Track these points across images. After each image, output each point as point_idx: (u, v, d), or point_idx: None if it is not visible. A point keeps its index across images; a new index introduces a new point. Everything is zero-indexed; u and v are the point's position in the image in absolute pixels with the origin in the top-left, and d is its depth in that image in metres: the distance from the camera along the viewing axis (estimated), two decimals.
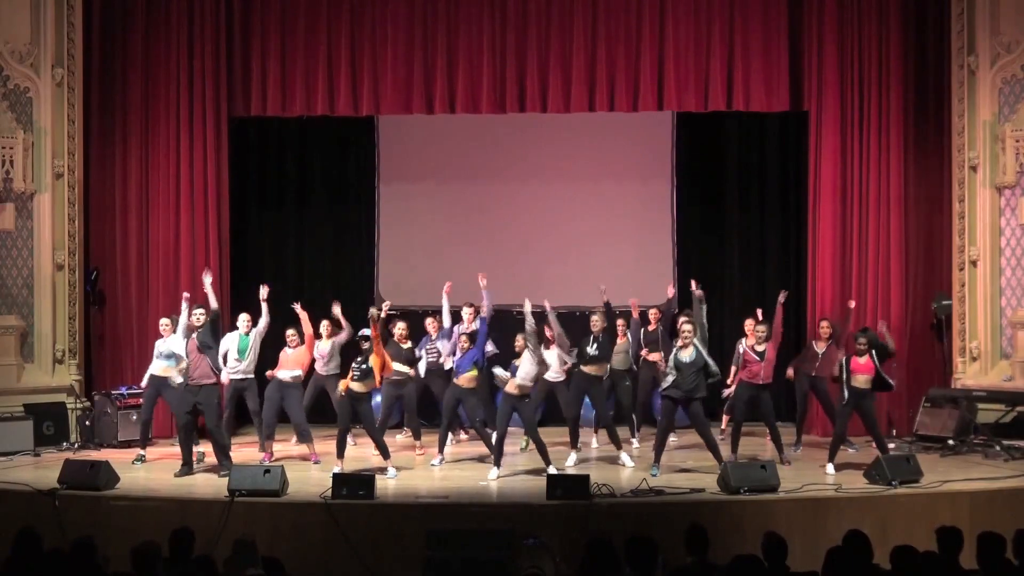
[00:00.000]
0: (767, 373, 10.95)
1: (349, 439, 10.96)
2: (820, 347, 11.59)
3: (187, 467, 10.46)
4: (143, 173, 13.02)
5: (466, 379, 10.82)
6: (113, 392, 12.13)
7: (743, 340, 11.40)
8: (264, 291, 11.30)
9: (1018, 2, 12.30)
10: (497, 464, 10.31)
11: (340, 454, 10.39)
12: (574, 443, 11.11)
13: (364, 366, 10.30)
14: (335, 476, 9.44)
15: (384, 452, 10.41)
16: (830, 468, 10.39)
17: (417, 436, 11.72)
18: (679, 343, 10.42)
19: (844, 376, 10.44)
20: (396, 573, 8.64)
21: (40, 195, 12.54)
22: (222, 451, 10.47)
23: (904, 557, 6.23)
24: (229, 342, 11.48)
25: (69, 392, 12.41)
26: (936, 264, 12.95)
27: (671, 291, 12.59)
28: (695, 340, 10.34)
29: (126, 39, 12.99)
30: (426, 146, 14.21)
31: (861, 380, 10.40)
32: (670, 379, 10.32)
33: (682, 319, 10.68)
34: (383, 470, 10.29)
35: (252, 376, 11.41)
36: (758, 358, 10.90)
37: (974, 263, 12.47)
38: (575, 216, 14.08)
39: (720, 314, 13.65)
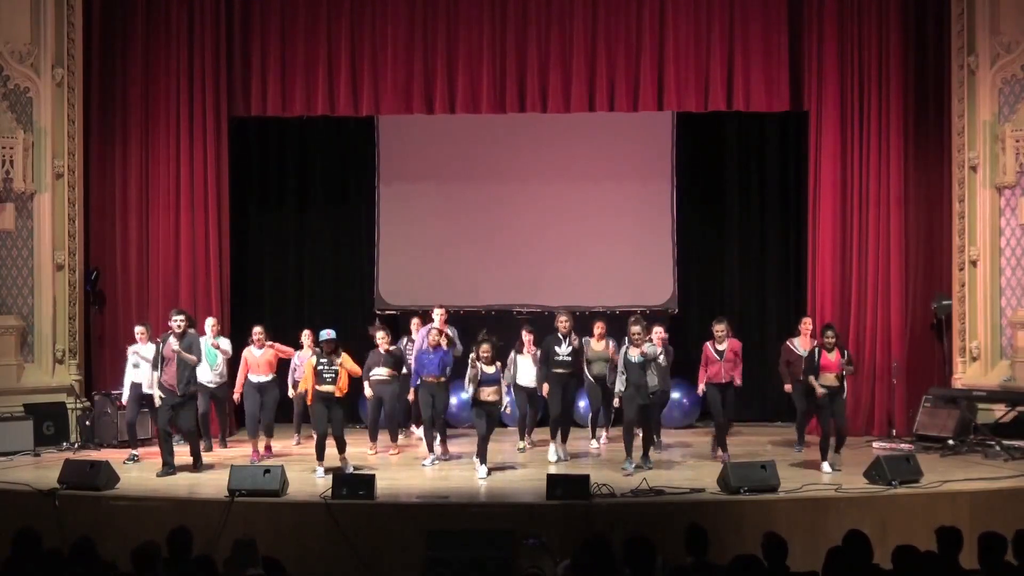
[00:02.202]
0: (727, 372, 10.97)
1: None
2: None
3: (169, 468, 10.39)
4: (143, 173, 13.02)
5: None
6: (113, 392, 12.11)
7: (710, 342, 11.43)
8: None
9: (1018, 2, 12.29)
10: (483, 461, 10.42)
11: (320, 457, 10.40)
12: (553, 436, 11.21)
13: (333, 368, 10.38)
14: (335, 476, 9.44)
15: (341, 447, 10.48)
16: (825, 467, 10.37)
17: (394, 437, 11.75)
18: (627, 344, 10.51)
19: (814, 374, 10.44)
20: (396, 573, 8.63)
21: (40, 195, 12.54)
22: (195, 454, 10.56)
23: (905, 557, 6.23)
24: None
25: (69, 392, 12.41)
26: (936, 264, 12.95)
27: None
28: (647, 346, 10.43)
29: (126, 39, 12.99)
30: (426, 146, 14.20)
31: (830, 377, 10.39)
32: (621, 380, 10.44)
33: (631, 320, 10.71)
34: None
35: (225, 380, 11.59)
36: (717, 357, 10.99)
37: (974, 263, 12.47)
38: (575, 216, 14.07)
39: (719, 315, 13.62)
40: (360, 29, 12.92)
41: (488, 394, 10.34)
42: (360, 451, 11.37)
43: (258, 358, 11.22)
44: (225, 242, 13.18)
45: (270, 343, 11.38)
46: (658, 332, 11.48)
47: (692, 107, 12.91)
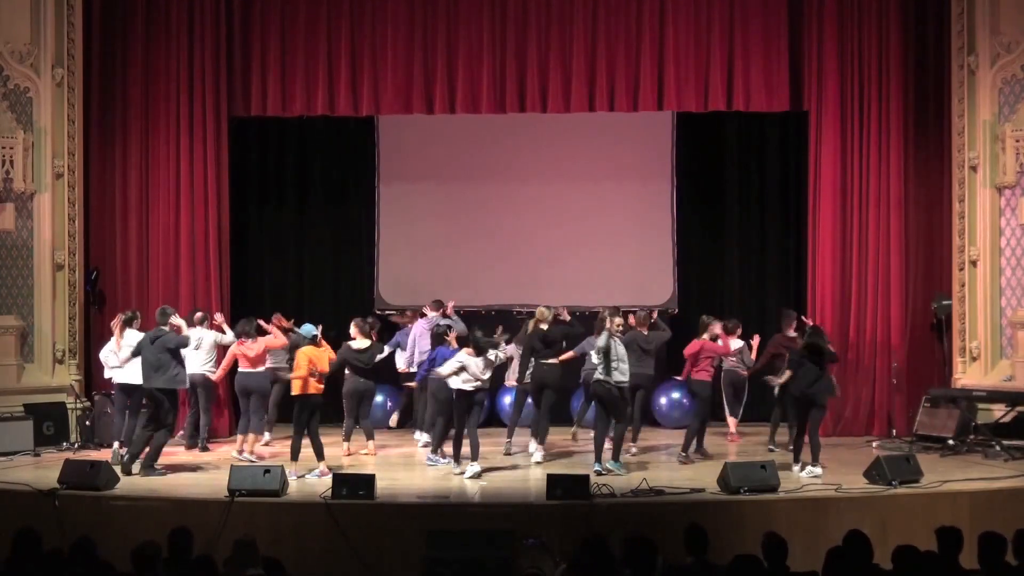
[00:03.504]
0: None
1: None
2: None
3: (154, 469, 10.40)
4: (143, 173, 13.02)
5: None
6: (113, 392, 12.10)
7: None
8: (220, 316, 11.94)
9: (1018, 2, 12.28)
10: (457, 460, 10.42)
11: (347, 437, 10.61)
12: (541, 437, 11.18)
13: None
14: (335, 476, 9.44)
15: (294, 455, 10.29)
16: (817, 469, 10.27)
17: (370, 436, 11.62)
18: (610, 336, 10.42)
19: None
20: (396, 573, 8.63)
21: (40, 195, 12.54)
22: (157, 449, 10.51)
23: (905, 557, 6.23)
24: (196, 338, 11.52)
25: (69, 392, 12.40)
26: (936, 264, 12.94)
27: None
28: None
29: (126, 39, 12.99)
30: (426, 146, 14.21)
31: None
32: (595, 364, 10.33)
33: (610, 311, 10.68)
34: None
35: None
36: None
37: (974, 263, 12.46)
38: (575, 216, 14.07)
39: (720, 315, 13.61)
40: (360, 29, 12.92)
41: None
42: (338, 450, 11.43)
43: (256, 350, 11.18)
44: (225, 242, 13.18)
45: (263, 343, 11.29)
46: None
47: (692, 107, 12.91)
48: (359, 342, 11.26)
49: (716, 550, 6.89)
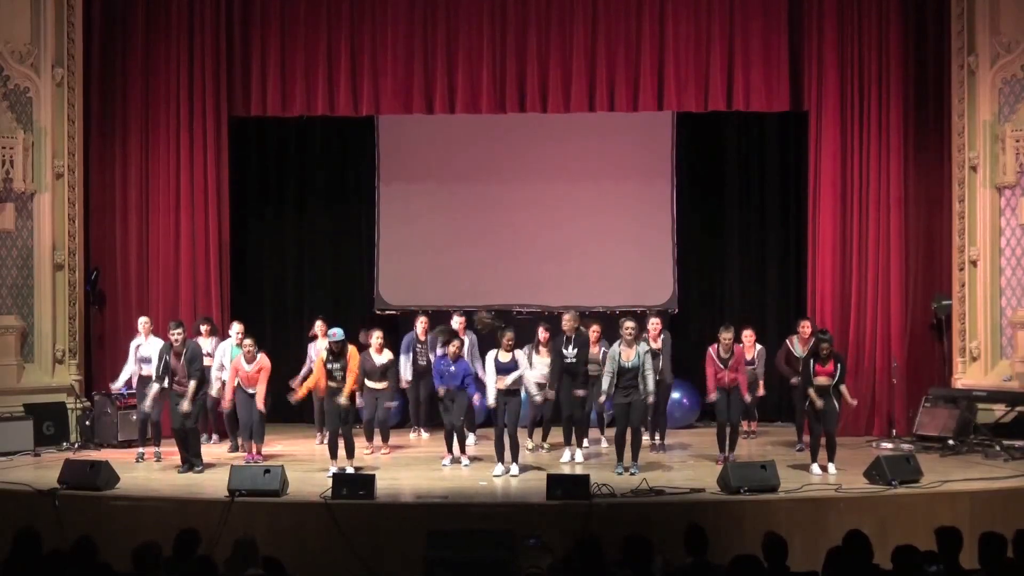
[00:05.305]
0: (731, 379, 10.95)
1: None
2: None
3: (187, 465, 10.56)
4: (143, 173, 13.03)
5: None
6: (113, 392, 12.10)
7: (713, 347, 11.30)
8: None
9: (1018, 2, 12.29)
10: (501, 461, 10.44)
11: (334, 455, 10.43)
12: (567, 439, 11.20)
13: (344, 369, 10.40)
14: (335, 476, 9.45)
15: (349, 452, 10.47)
16: (815, 468, 10.29)
17: (385, 438, 11.74)
18: (620, 343, 10.38)
19: (810, 383, 10.40)
20: (396, 573, 8.63)
21: (40, 195, 12.54)
22: (196, 452, 10.69)
23: (905, 557, 6.23)
24: (222, 352, 11.46)
25: (69, 392, 12.41)
26: (936, 264, 12.94)
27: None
28: (640, 346, 10.41)
29: (126, 39, 13.00)
30: (426, 146, 14.20)
31: (821, 380, 10.36)
32: (607, 381, 10.35)
33: (625, 320, 10.66)
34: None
35: None
36: (723, 366, 10.94)
37: (974, 263, 12.46)
38: (575, 216, 14.06)
39: (720, 315, 13.64)
40: (360, 29, 12.92)
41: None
42: (358, 451, 11.37)
43: (249, 371, 10.99)
44: (225, 242, 13.18)
45: (258, 365, 11.11)
46: (654, 323, 11.64)
47: (692, 107, 12.90)
48: None
49: (716, 550, 6.89)
